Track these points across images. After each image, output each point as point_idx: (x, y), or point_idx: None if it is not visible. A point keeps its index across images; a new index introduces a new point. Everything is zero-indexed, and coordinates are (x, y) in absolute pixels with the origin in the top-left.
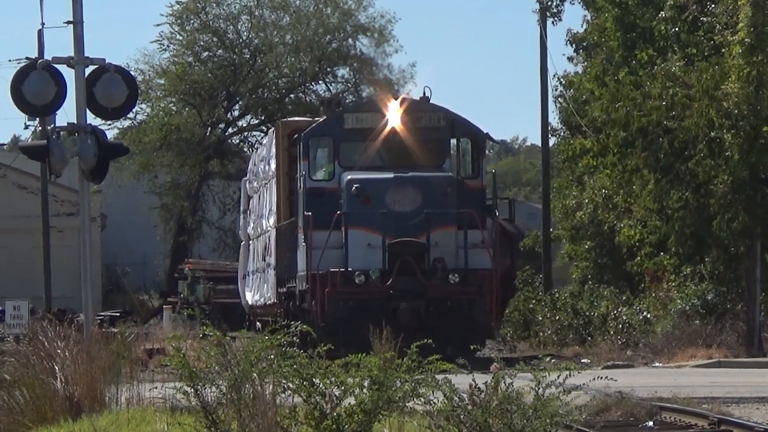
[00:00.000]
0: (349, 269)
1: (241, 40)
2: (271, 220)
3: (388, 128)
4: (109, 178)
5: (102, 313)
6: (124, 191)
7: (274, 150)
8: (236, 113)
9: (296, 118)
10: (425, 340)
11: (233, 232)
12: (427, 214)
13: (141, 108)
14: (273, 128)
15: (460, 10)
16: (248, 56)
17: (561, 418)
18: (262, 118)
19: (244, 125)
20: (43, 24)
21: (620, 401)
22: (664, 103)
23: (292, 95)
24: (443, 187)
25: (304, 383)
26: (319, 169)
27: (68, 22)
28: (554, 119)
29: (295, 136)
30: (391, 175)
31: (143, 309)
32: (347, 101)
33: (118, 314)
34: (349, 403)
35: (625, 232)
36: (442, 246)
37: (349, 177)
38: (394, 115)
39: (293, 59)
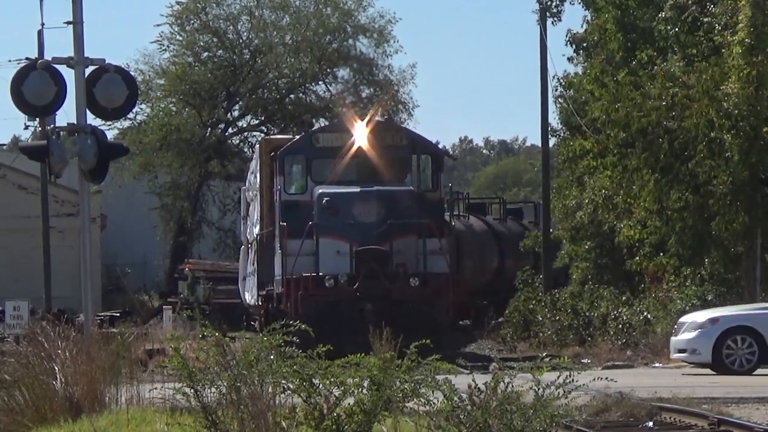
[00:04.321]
0: (320, 274)
1: (241, 41)
2: (257, 229)
3: (355, 147)
4: (109, 178)
5: (102, 314)
6: (124, 191)
7: (258, 165)
8: (236, 113)
9: (278, 136)
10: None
11: (233, 232)
12: (390, 224)
13: (141, 108)
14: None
15: (460, 10)
16: (248, 56)
17: (561, 418)
18: (262, 118)
19: (244, 125)
20: (43, 24)
21: (620, 401)
22: (663, 103)
23: (292, 96)
24: (405, 199)
25: (304, 383)
26: (293, 184)
27: (68, 23)
28: (554, 120)
29: (272, 153)
30: (357, 189)
31: (143, 309)
32: (347, 101)
33: (118, 314)
34: (349, 404)
35: (625, 232)
36: (403, 253)
37: (320, 191)
38: (360, 135)
39: (293, 60)
